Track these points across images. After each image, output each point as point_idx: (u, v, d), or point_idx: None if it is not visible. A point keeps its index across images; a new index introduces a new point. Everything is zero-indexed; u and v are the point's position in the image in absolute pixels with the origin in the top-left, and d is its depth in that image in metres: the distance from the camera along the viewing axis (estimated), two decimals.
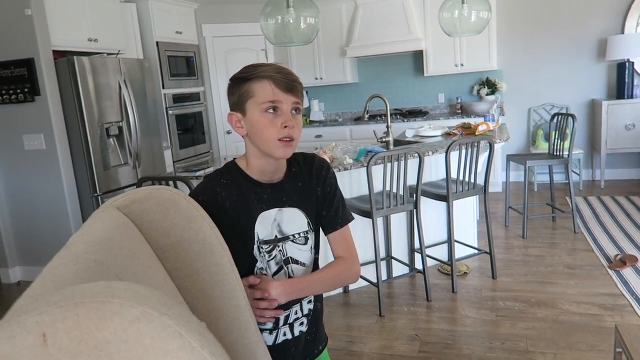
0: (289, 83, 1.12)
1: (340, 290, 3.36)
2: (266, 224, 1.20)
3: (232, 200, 1.17)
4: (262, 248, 1.20)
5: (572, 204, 4.10)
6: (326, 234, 1.30)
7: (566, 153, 4.02)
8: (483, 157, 3.50)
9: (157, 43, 4.94)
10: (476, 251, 3.61)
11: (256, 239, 1.19)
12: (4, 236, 4.03)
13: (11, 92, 3.72)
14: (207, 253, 0.98)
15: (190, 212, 0.97)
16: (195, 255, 0.97)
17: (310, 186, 1.26)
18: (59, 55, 3.82)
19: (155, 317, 0.45)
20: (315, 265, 1.31)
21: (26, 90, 3.69)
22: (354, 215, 3.22)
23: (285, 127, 1.12)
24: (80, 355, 0.44)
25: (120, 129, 4.14)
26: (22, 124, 3.79)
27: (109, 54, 4.32)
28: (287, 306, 1.23)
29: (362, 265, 3.36)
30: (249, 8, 5.54)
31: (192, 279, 0.97)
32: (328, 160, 3.04)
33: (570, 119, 4.01)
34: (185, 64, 5.36)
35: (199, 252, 0.97)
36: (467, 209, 3.75)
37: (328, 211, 1.27)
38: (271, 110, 1.12)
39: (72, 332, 0.44)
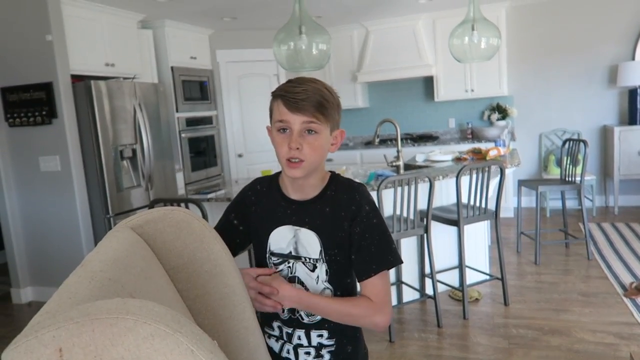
0: (297, 102, 1.08)
1: None
2: (282, 238, 1.20)
3: (257, 206, 1.24)
4: (271, 259, 1.22)
5: (585, 230, 4.05)
6: (358, 280, 1.20)
7: (578, 178, 3.99)
8: (494, 182, 3.49)
9: (172, 68, 5.05)
10: (488, 277, 3.57)
11: (267, 249, 1.22)
12: (16, 256, 4.07)
13: (29, 114, 3.81)
14: (218, 274, 0.99)
15: (202, 233, 0.98)
16: (206, 276, 0.98)
17: (338, 216, 1.17)
18: (76, 79, 3.91)
19: (169, 334, 0.46)
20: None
21: (44, 112, 3.78)
22: None
23: (291, 148, 1.10)
24: None
25: (134, 151, 4.21)
26: (39, 146, 3.87)
27: (124, 78, 4.42)
28: (289, 323, 1.23)
29: None
30: (262, 34, 5.66)
31: (203, 300, 0.98)
32: None
33: (581, 144, 4.00)
34: (198, 88, 5.46)
35: (210, 273, 0.98)
36: (478, 234, 3.72)
37: (357, 255, 1.16)
38: (281, 130, 1.12)
39: (87, 347, 0.45)
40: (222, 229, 1.23)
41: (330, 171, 1.25)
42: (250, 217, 1.24)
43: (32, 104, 3.79)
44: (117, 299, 0.49)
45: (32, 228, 4.04)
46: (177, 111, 5.09)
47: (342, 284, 1.21)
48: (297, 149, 1.10)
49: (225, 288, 1.00)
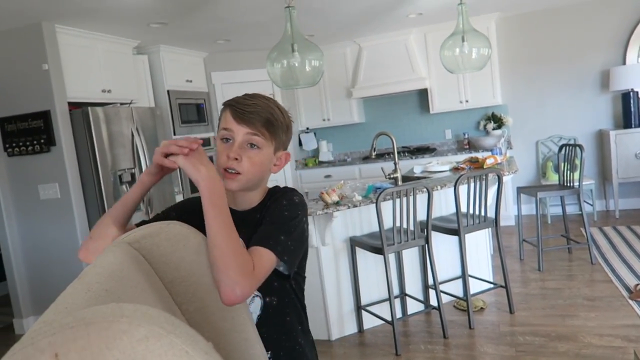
0: (244, 113, 1.09)
1: (355, 329, 3.30)
2: None
3: (201, 214, 1.13)
4: None
5: (586, 235, 4.04)
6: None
7: (577, 183, 4.00)
8: (492, 190, 3.49)
9: (168, 91, 5.10)
10: (491, 285, 3.55)
11: None
12: (18, 286, 4.05)
13: (28, 143, 3.84)
14: None
15: (199, 245, 0.98)
16: (205, 288, 0.98)
17: (261, 220, 1.13)
18: (73, 106, 3.95)
19: (163, 335, 0.47)
20: (286, 317, 1.18)
21: (42, 141, 3.80)
22: (365, 252, 3.17)
23: (229, 157, 1.08)
24: None
25: (133, 175, 4.22)
26: (38, 174, 3.89)
27: (121, 104, 4.46)
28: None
29: (376, 303, 3.31)
30: (255, 55, 5.74)
31: (202, 312, 0.98)
32: (337, 197, 3.05)
33: (578, 149, 4.01)
34: (195, 110, 5.50)
35: (208, 285, 0.98)
36: (479, 243, 3.71)
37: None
38: (224, 140, 1.11)
39: (83, 351, 0.45)
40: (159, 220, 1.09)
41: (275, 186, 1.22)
42: (192, 224, 1.05)
43: (30, 132, 3.82)
44: (111, 304, 0.49)
45: (33, 257, 4.03)
46: (174, 134, 5.13)
47: (270, 290, 1.15)
48: (236, 159, 1.08)
49: None
